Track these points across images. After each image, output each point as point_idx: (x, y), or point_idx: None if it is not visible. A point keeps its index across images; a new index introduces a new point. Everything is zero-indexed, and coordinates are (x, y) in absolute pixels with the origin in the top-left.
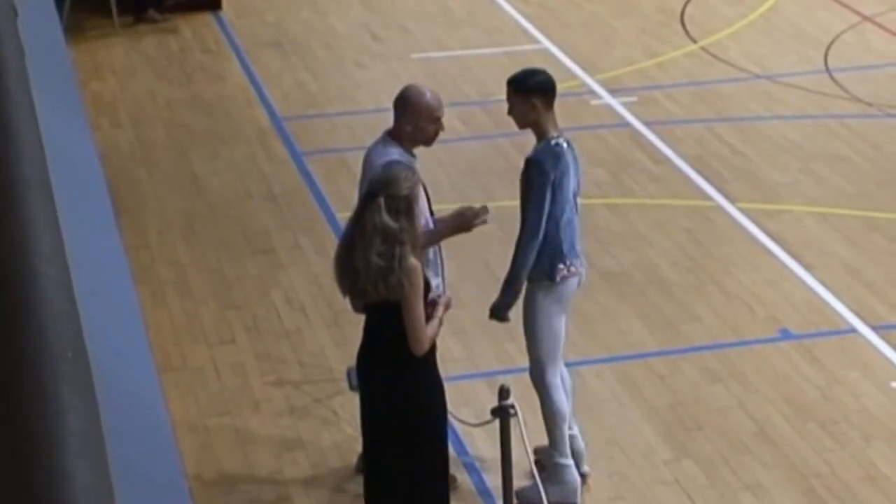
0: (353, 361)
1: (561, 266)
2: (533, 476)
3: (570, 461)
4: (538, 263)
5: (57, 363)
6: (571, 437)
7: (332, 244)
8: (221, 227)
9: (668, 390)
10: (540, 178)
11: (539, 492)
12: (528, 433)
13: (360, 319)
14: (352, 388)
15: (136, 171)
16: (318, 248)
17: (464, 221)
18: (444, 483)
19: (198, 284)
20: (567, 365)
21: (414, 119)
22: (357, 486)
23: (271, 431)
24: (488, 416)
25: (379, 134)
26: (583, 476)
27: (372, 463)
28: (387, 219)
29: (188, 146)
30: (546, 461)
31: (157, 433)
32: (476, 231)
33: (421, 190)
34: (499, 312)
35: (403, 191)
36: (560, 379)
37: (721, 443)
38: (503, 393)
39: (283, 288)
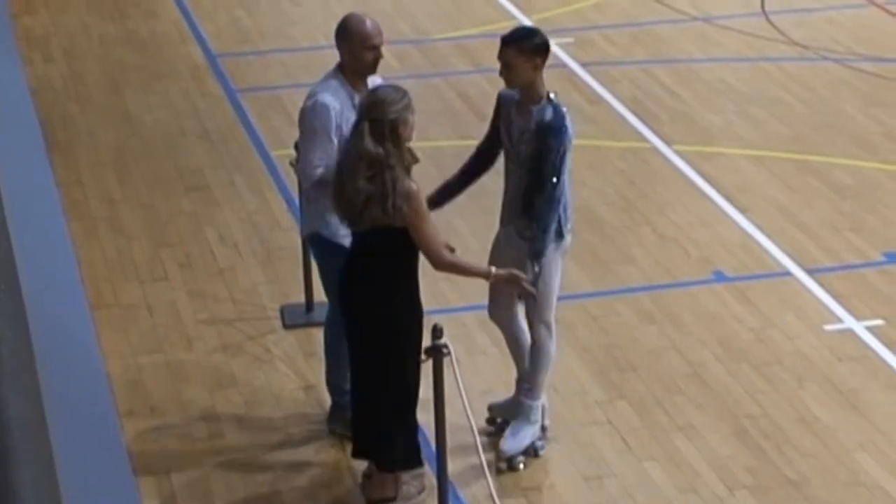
0: (286, 300)
1: (567, 223)
2: (466, 415)
3: (541, 402)
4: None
5: None
6: None
7: (265, 182)
8: (155, 164)
9: (602, 331)
10: (563, 145)
11: (528, 441)
12: (461, 372)
13: (294, 258)
14: (285, 326)
15: (69, 106)
16: (251, 186)
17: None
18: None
19: (130, 221)
20: None
21: (350, 47)
22: (289, 424)
23: (204, 369)
24: (422, 356)
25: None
26: (543, 429)
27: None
28: (369, 144)
29: (121, 82)
30: (519, 403)
31: (89, 369)
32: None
33: (411, 113)
34: (536, 284)
35: (389, 114)
36: None
37: (654, 384)
38: (436, 332)
39: (216, 225)
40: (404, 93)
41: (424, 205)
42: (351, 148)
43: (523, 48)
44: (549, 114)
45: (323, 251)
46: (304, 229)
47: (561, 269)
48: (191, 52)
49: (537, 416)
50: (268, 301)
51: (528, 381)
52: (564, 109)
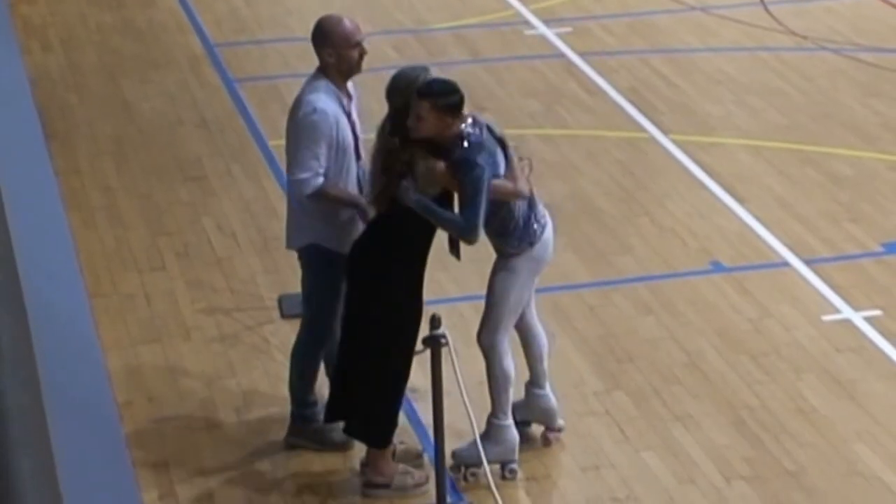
0: (283, 289)
1: (535, 225)
2: (464, 405)
3: (509, 421)
4: (520, 237)
5: None
6: (542, 395)
7: (263, 171)
8: (152, 153)
9: (599, 321)
10: (478, 174)
11: (478, 451)
12: (460, 362)
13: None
14: (283, 315)
15: (67, 95)
16: (249, 176)
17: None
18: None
19: (128, 210)
20: None
21: (335, 49)
22: (287, 413)
23: (202, 359)
24: (419, 346)
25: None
26: (558, 430)
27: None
28: (386, 136)
29: (119, 71)
30: (487, 421)
31: (88, 358)
32: None
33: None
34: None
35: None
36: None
37: (652, 374)
38: (434, 322)
39: (214, 215)
40: (423, 68)
41: (448, 175)
42: (377, 137)
43: (437, 105)
44: (456, 153)
45: (320, 262)
46: (295, 240)
47: (532, 283)
48: (188, 42)
49: (504, 437)
50: (265, 291)
51: (491, 403)
52: (474, 133)
